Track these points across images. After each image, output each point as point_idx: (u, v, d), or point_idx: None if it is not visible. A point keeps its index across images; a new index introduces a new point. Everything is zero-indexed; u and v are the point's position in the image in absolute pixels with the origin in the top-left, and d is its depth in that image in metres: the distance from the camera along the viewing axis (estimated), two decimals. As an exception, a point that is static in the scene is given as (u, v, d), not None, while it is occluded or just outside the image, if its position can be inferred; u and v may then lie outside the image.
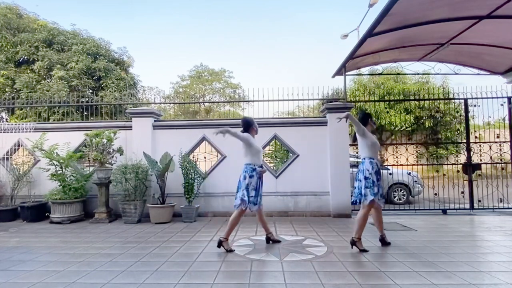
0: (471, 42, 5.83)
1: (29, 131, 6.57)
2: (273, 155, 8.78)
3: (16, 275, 3.13)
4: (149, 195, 6.12)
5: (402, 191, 8.39)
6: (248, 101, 7.96)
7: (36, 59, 12.83)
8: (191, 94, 20.90)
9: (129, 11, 44.59)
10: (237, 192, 4.01)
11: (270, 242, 4.25)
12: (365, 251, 3.80)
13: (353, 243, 3.86)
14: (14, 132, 6.68)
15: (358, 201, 3.89)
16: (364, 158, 3.93)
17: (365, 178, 3.80)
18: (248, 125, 4.21)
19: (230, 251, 3.86)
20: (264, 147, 6.61)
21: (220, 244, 3.89)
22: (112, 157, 6.22)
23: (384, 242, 4.07)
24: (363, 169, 3.87)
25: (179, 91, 23.60)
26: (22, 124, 6.83)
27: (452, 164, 7.11)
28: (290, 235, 4.70)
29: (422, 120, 16.06)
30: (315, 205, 6.28)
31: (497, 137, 6.80)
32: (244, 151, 4.11)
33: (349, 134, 6.48)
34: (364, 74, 12.30)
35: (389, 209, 6.78)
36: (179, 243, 4.32)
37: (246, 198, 3.86)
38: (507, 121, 6.84)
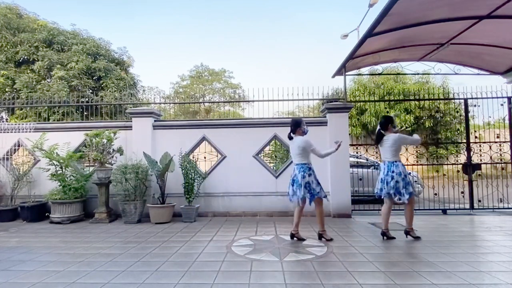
0: (471, 42, 5.82)
1: (29, 131, 6.57)
2: (273, 155, 8.79)
3: (16, 275, 3.13)
4: (149, 195, 6.12)
5: (402, 191, 8.36)
6: (248, 101, 7.97)
7: (36, 59, 12.83)
8: (191, 94, 20.90)
9: (129, 11, 44.64)
10: (293, 190, 4.29)
11: (294, 238, 4.39)
12: (418, 238, 4.35)
13: (407, 233, 4.42)
14: (14, 132, 6.68)
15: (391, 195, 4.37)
16: (396, 161, 4.33)
17: (403, 179, 4.23)
18: (297, 126, 4.39)
19: (302, 239, 4.31)
20: (264, 147, 6.62)
21: (292, 236, 4.36)
22: (112, 157, 6.22)
23: (413, 236, 4.38)
24: (399, 171, 4.26)
25: (179, 91, 23.63)
26: (22, 124, 6.83)
27: (452, 164, 7.10)
28: (290, 235, 4.70)
29: (422, 120, 16.06)
30: (315, 205, 6.26)
31: (497, 137, 6.79)
32: (301, 152, 4.27)
33: (349, 134, 6.48)
34: (364, 74, 12.29)
35: (389, 209, 6.77)
36: (179, 243, 4.32)
37: (307, 196, 4.17)
38: (507, 121, 6.83)
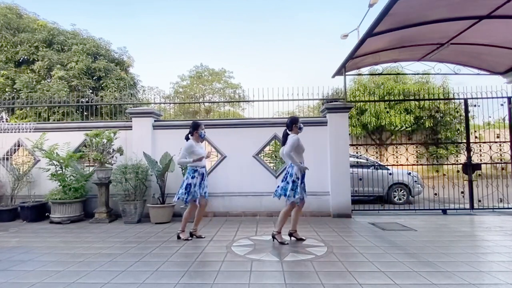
0: (471, 42, 5.82)
1: (29, 131, 6.57)
2: (273, 155, 8.78)
3: (16, 275, 3.13)
4: (149, 195, 6.12)
5: (402, 191, 8.38)
6: (248, 101, 7.97)
7: (36, 59, 12.83)
8: (191, 94, 20.91)
9: (129, 11, 44.64)
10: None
11: (194, 237, 4.60)
12: (283, 243, 4.15)
13: (273, 236, 4.26)
14: (14, 132, 6.68)
15: (280, 196, 4.21)
16: (291, 164, 4.14)
17: (293, 182, 4.08)
18: (194, 129, 4.51)
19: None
20: (264, 147, 6.62)
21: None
22: (112, 157, 6.22)
23: (297, 237, 4.36)
24: (292, 172, 4.12)
25: (179, 91, 23.61)
26: (22, 124, 6.83)
27: (452, 164, 7.11)
28: (290, 235, 4.70)
29: (422, 120, 16.07)
30: (315, 205, 6.27)
31: (497, 137, 6.79)
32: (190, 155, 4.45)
33: (349, 134, 6.48)
34: (364, 74, 12.30)
35: (389, 209, 6.77)
36: (179, 243, 4.32)
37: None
38: (507, 121, 6.83)
